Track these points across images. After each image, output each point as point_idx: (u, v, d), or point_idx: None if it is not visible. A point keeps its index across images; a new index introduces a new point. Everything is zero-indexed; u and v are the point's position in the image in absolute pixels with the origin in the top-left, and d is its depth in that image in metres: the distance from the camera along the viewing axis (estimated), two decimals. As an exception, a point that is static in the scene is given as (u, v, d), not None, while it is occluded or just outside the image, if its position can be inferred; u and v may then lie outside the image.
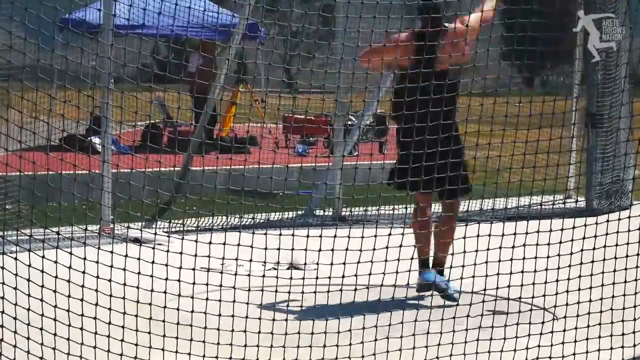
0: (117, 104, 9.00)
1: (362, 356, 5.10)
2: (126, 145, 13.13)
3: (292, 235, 5.35)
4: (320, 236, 5.28)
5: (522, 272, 5.39)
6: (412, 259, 5.36)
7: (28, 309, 4.93)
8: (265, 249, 5.29)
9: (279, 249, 5.42)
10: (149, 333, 5.02)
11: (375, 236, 5.32)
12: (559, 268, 5.40)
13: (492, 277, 5.39)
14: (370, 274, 5.24)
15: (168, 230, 9.33)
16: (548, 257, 5.36)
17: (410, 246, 5.37)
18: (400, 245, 5.37)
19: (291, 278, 5.49)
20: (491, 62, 5.63)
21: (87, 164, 6.30)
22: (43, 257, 5.01)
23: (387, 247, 5.25)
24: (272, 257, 5.57)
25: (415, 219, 6.75)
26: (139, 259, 5.12)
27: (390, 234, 5.28)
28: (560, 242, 5.42)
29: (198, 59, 14.45)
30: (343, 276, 5.24)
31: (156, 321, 5.08)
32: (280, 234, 5.35)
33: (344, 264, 5.24)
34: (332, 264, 5.25)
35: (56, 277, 5.02)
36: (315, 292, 5.26)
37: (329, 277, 5.21)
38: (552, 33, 6.27)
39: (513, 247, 5.37)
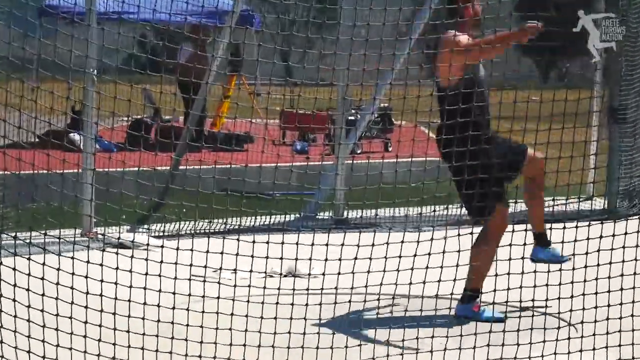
0: (101, 96, 9.02)
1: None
2: (110, 141, 13.19)
3: (297, 238, 5.36)
4: (327, 240, 5.35)
5: (534, 271, 5.46)
6: (414, 255, 5.42)
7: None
8: (267, 258, 5.36)
9: (281, 258, 5.47)
10: (143, 348, 5.09)
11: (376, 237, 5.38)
12: (573, 269, 5.48)
13: (503, 279, 5.46)
14: (369, 272, 5.30)
15: (152, 234, 9.41)
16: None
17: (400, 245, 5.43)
18: (402, 242, 5.43)
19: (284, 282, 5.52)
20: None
21: (67, 162, 6.35)
22: (15, 268, 5.07)
23: (386, 244, 5.31)
24: (269, 263, 5.63)
25: (492, 242, 6.55)
26: (130, 270, 5.20)
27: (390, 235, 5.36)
28: (589, 243, 5.49)
29: (184, 48, 14.52)
30: (345, 272, 5.29)
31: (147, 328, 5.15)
32: (283, 240, 5.36)
33: (352, 262, 5.30)
34: (337, 260, 5.29)
35: (28, 289, 5.07)
36: (308, 290, 5.30)
37: (332, 273, 5.27)
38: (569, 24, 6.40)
39: (524, 245, 5.46)
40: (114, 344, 5.07)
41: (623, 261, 5.47)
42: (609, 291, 5.40)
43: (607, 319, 5.38)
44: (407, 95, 6.71)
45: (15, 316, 5.03)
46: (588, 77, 12.45)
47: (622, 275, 5.44)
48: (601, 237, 5.49)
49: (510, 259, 5.48)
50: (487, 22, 6.36)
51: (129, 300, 5.19)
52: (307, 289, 5.39)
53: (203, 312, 5.20)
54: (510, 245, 5.52)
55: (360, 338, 5.50)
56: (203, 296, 5.32)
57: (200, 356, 5.07)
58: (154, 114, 15.70)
